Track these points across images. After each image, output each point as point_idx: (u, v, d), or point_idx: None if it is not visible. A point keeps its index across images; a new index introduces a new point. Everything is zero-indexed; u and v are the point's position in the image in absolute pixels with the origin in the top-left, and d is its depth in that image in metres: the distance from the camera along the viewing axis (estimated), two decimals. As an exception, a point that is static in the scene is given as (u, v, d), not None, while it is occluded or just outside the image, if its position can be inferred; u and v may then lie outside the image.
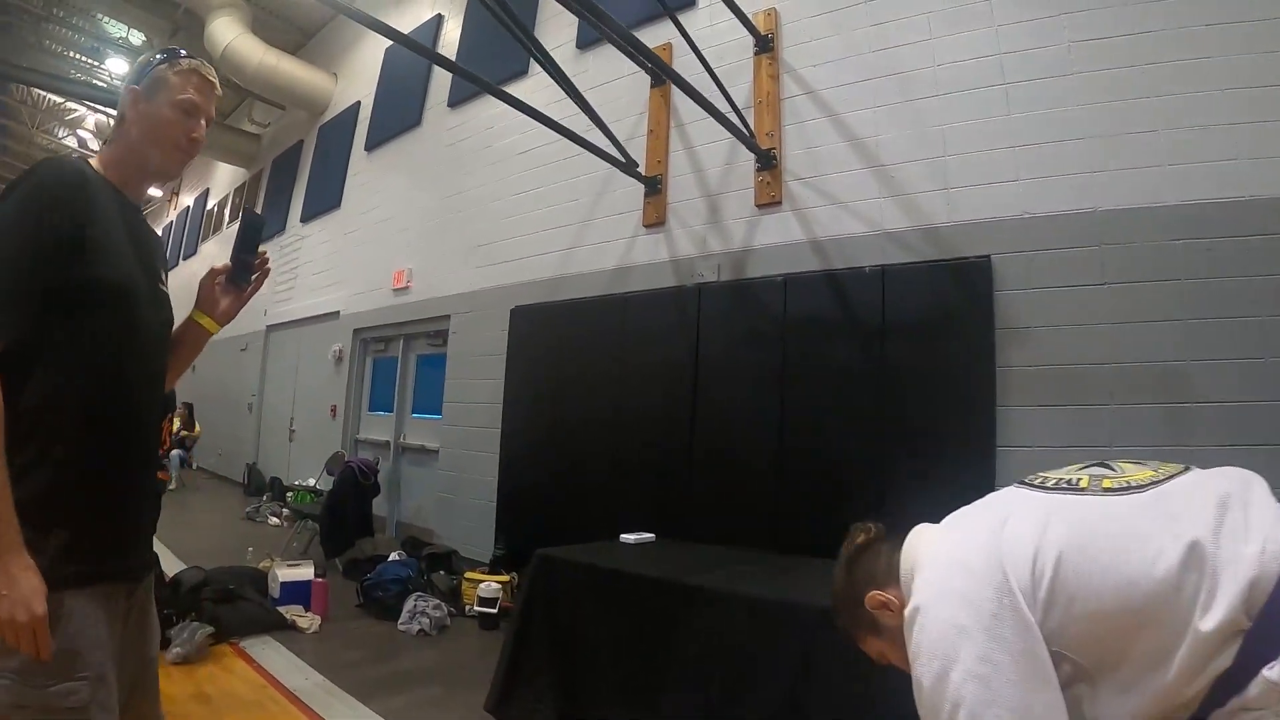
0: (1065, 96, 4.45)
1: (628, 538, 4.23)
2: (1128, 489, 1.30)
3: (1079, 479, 1.37)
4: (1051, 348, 4.17)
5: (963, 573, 1.27)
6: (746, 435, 5.00)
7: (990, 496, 1.52)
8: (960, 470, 4.19)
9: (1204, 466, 3.30)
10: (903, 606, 1.38)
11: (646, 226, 5.94)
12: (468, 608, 5.41)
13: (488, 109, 7.57)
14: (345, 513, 7.02)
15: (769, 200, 5.26)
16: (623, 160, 5.63)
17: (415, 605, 5.18)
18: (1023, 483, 1.47)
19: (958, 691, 1.18)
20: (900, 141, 4.88)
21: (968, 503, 3.90)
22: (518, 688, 3.57)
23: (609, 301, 5.95)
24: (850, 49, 5.21)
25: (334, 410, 9.49)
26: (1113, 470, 1.38)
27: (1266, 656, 1.07)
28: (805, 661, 2.64)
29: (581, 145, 5.39)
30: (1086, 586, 1.19)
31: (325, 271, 10.22)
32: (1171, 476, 1.32)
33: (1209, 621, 1.10)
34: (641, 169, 5.84)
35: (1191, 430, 3.93)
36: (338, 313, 9.60)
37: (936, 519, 1.58)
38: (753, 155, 5.31)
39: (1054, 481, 1.40)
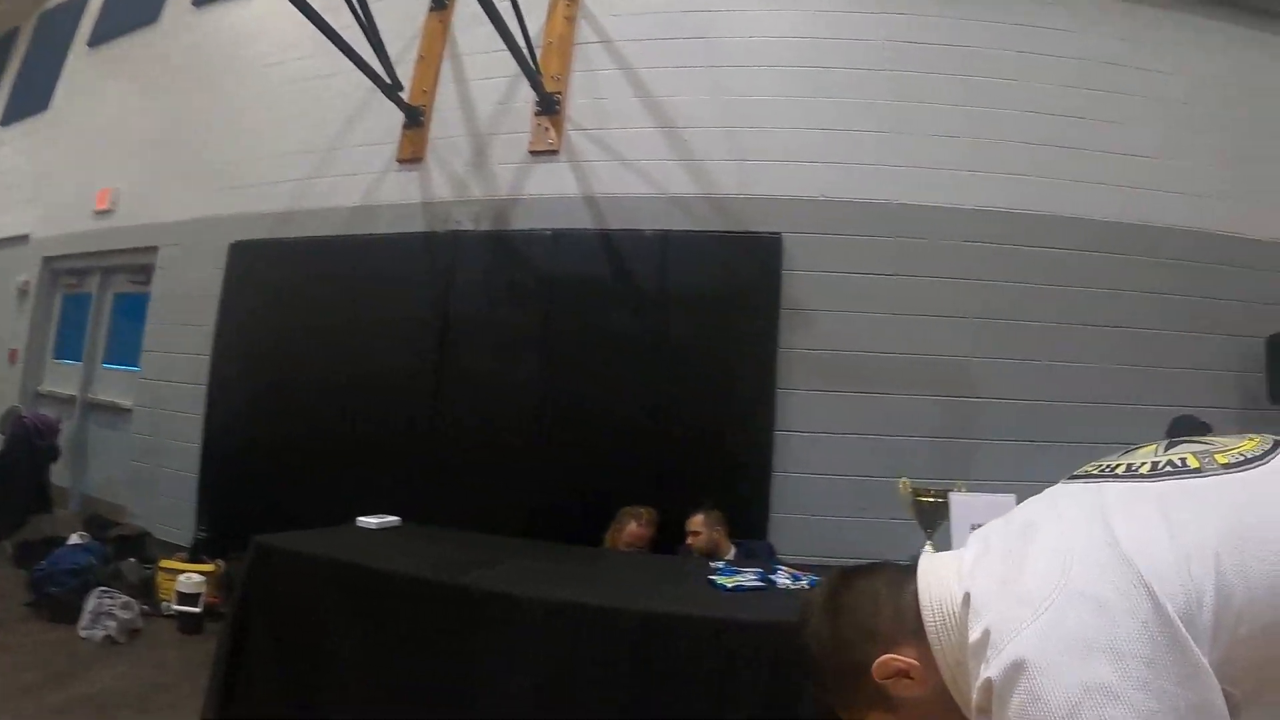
0: (876, 90, 4.48)
1: (367, 521, 3.39)
2: (1247, 461, 0.96)
3: (1183, 458, 0.99)
4: (837, 333, 4.08)
5: (1086, 604, 0.84)
6: (504, 405, 4.40)
7: (1044, 498, 1.05)
8: (737, 451, 4.01)
9: (987, 462, 3.34)
10: (929, 671, 0.99)
11: (401, 162, 5.11)
12: (165, 605, 4.39)
13: (237, 11, 6.45)
14: (16, 481, 5.67)
15: (546, 148, 4.64)
16: (387, 81, 4.78)
17: (99, 604, 4.07)
18: (1084, 477, 1.04)
19: None
20: (699, 107, 4.54)
21: (740, 486, 3.20)
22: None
23: (349, 244, 5.05)
24: (659, 4, 4.84)
25: (13, 355, 7.79)
26: (1209, 444, 1.02)
27: None
28: (637, 673, 2.12)
29: (345, 54, 4.49)
30: (1256, 595, 0.84)
31: (20, 186, 8.42)
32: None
33: None
34: (405, 96, 5.00)
35: (974, 425, 4.08)
36: (27, 236, 7.92)
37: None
38: (533, 97, 4.67)
39: (1147, 465, 1.01)
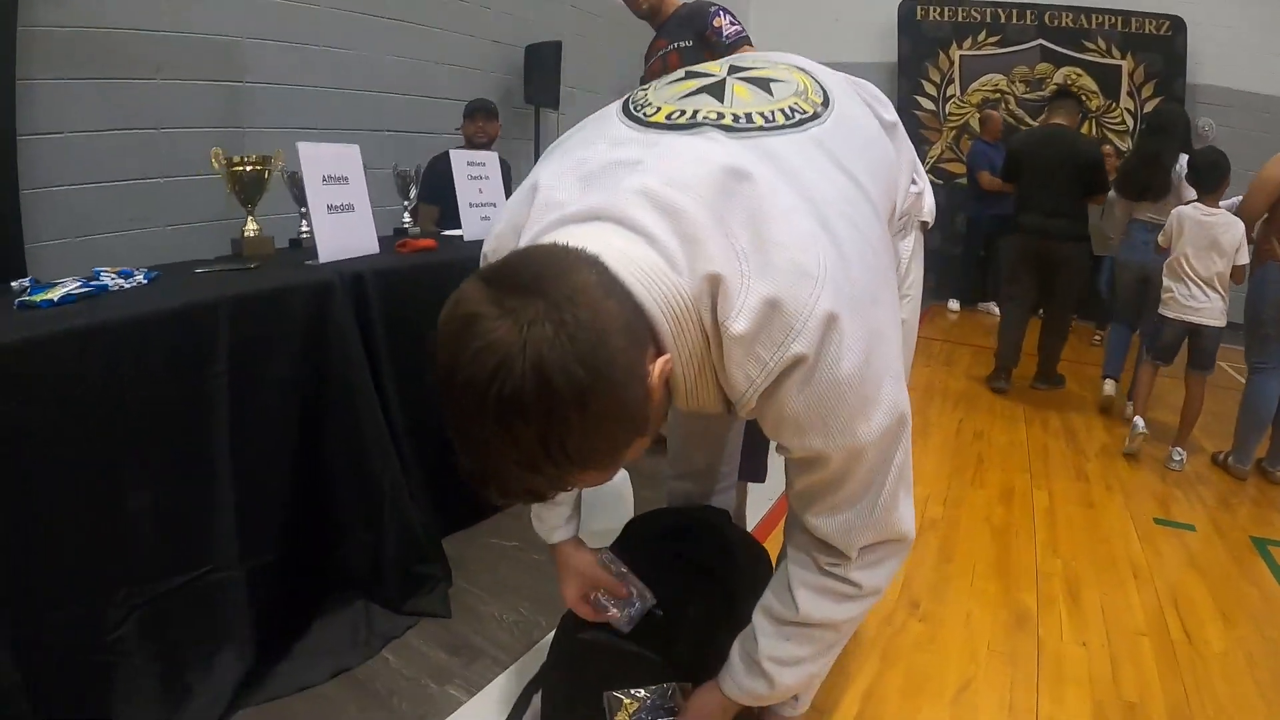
0: None
1: None
2: (825, 103, 1.10)
3: (795, 105, 1.05)
4: (89, 7, 3.42)
5: (850, 260, 0.90)
6: None
7: (690, 147, 0.94)
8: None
9: (258, 145, 3.14)
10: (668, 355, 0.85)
11: None
12: None
13: None
14: None
15: None
16: None
17: None
18: (699, 126, 0.98)
19: (895, 411, 0.95)
20: None
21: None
22: None
23: None
24: None
25: None
26: (781, 82, 1.11)
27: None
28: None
29: None
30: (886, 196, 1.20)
31: None
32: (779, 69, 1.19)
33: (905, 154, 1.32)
34: None
35: (246, 110, 4.04)
36: None
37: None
38: None
39: (778, 113, 1.03)
